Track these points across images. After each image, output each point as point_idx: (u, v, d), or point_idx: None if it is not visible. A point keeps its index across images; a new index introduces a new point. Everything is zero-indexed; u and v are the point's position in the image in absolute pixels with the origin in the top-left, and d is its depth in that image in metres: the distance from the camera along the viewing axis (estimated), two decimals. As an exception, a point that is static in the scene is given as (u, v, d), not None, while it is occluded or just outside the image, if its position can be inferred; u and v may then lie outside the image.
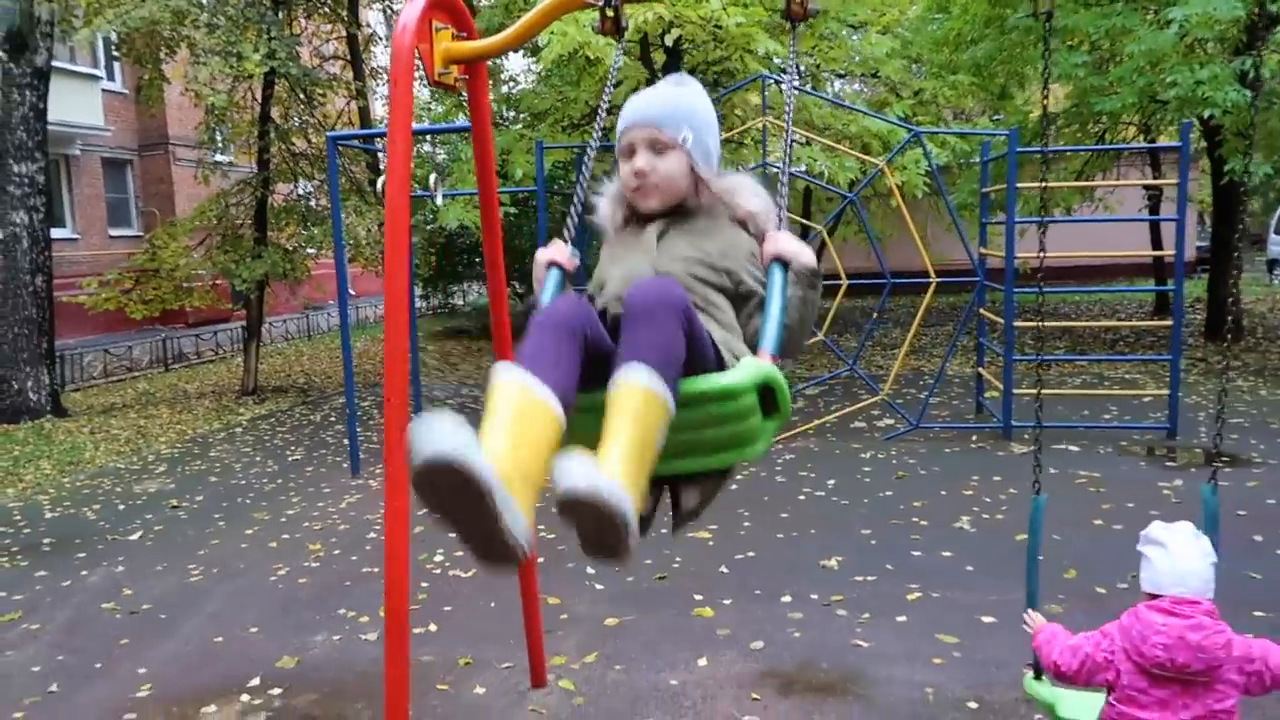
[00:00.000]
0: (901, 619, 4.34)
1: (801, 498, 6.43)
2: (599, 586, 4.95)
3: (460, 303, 21.67)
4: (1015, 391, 7.88)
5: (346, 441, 8.52)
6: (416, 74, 2.85)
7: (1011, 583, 4.31)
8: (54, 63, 17.88)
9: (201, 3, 9.67)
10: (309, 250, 11.87)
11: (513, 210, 13.11)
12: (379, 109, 18.70)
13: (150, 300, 12.45)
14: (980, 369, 8.76)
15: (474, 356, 15.61)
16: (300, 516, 6.52)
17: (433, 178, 6.47)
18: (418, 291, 23.42)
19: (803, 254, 1.92)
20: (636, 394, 1.56)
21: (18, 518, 6.86)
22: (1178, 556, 2.19)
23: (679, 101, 2.03)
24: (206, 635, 4.52)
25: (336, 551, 5.73)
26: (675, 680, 3.84)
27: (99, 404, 12.25)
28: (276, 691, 3.91)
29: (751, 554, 5.34)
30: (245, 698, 3.87)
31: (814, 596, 4.65)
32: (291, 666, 4.15)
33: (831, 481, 6.77)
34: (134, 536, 6.22)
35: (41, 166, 10.78)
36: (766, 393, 1.74)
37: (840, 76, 15.04)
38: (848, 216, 13.70)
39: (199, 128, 12.01)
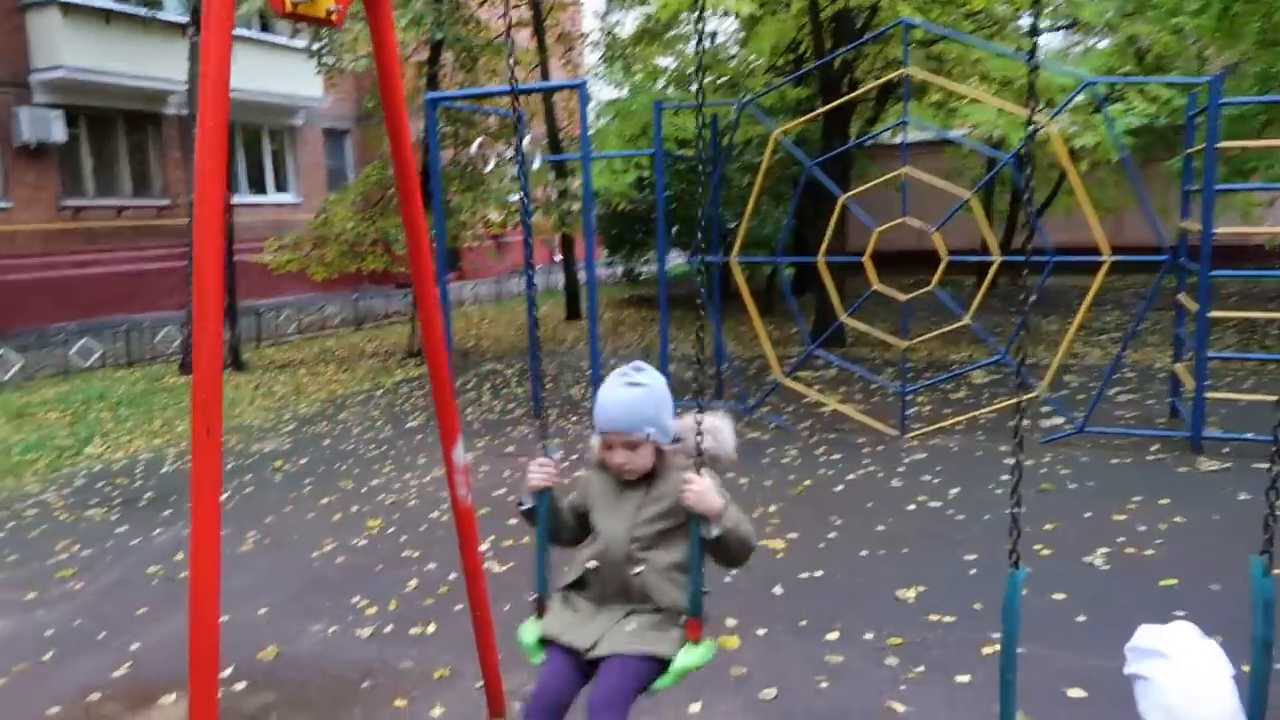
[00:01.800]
0: (962, 679, 3.50)
1: (911, 507, 5.55)
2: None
3: (644, 271, 21.41)
4: (1209, 396, 6.49)
5: (461, 409, 8.41)
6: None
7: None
8: (278, 39, 19.23)
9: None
10: (462, 216, 11.86)
11: (653, 184, 12.53)
12: (562, 72, 18.65)
13: (330, 263, 12.97)
14: (1178, 365, 7.33)
15: (641, 325, 15.30)
16: (381, 488, 6.39)
17: (475, 143, 6.06)
18: (602, 258, 23.44)
19: (701, 504, 2.24)
20: None
21: (139, 470, 7.19)
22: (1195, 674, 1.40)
23: (641, 408, 2.42)
24: (215, 613, 4.38)
25: (390, 530, 5.51)
26: (651, 728, 3.25)
27: (280, 359, 12.96)
28: (239, 687, 3.68)
29: (819, 573, 4.59)
30: (207, 690, 3.65)
31: (867, 636, 3.88)
32: (269, 660, 3.91)
33: (955, 490, 5.82)
34: (222, 497, 6.29)
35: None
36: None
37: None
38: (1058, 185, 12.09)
39: (366, 97, 12.28)
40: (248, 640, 4.08)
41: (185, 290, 11.58)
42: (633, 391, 2.43)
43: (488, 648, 3.28)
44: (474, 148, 6.51)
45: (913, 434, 7.17)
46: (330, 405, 9.44)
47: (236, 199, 20.22)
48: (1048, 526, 5.09)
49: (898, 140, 8.33)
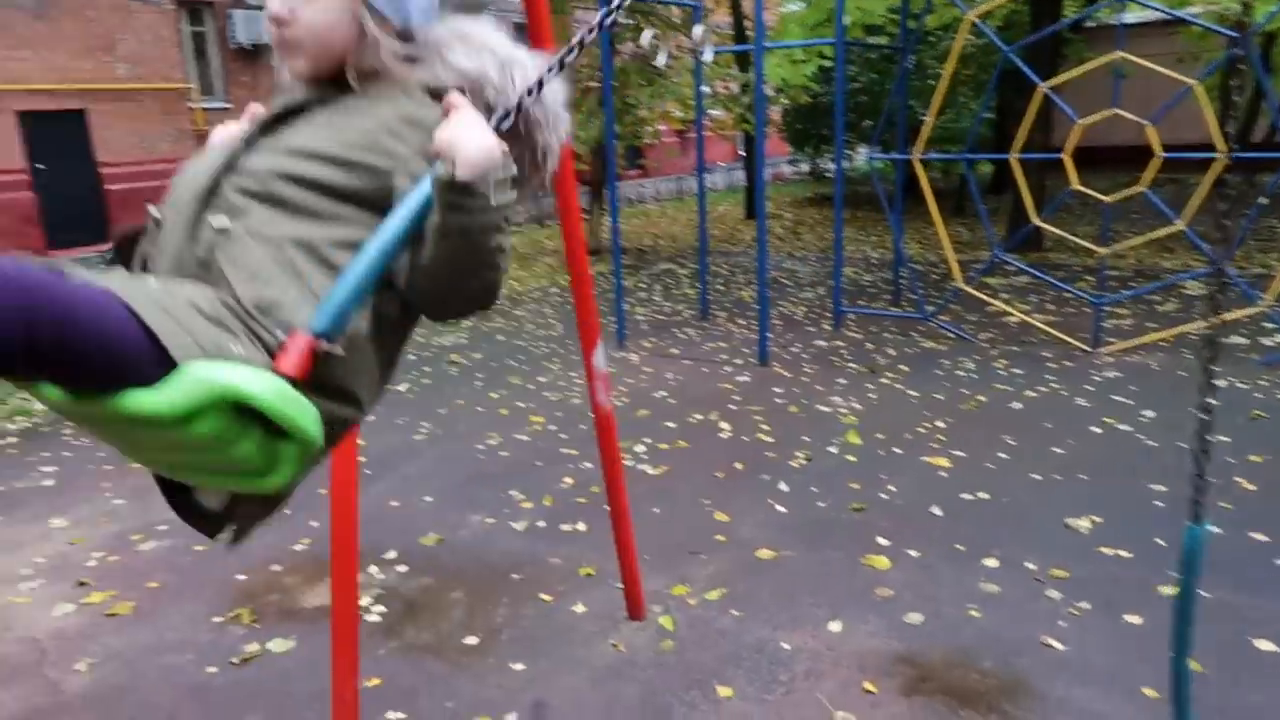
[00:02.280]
0: (1132, 620, 3.24)
1: (1096, 430, 5.14)
2: (780, 509, 4.33)
3: (829, 168, 20.59)
4: None
5: (631, 309, 8.46)
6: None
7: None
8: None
9: None
10: (640, 112, 11.68)
11: (853, 73, 11.80)
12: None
13: (512, 160, 13.17)
14: None
15: (822, 225, 14.79)
16: (547, 385, 6.55)
17: (647, 34, 5.83)
18: (785, 155, 22.66)
19: (466, 148, 1.13)
20: None
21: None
22: None
23: None
24: (387, 498, 4.65)
25: (552, 427, 5.64)
26: (788, 644, 3.20)
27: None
28: (402, 569, 3.90)
29: (984, 495, 4.34)
30: (373, 569, 3.90)
31: (1029, 565, 3.65)
32: (430, 545, 4.12)
33: (1149, 414, 5.33)
34: (402, 387, 6.65)
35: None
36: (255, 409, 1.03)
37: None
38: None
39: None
40: (414, 526, 4.31)
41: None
42: None
43: (627, 550, 3.30)
44: (644, 40, 6.26)
45: (1108, 349, 6.60)
46: (507, 301, 9.73)
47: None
48: (1254, 458, 4.59)
49: (1115, 20, 7.45)
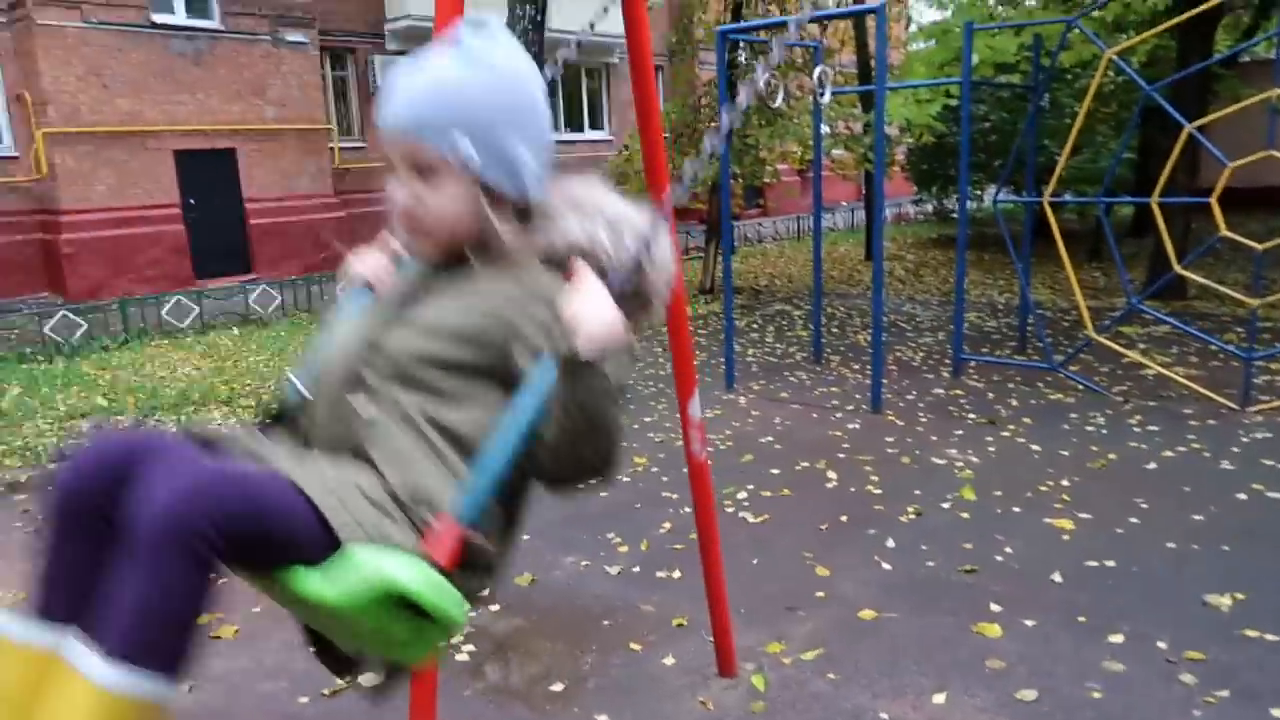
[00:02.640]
0: (1278, 713, 2.91)
1: (1241, 496, 4.72)
2: (886, 567, 4.12)
3: (954, 208, 20.03)
4: None
5: (742, 350, 8.35)
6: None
7: None
8: (596, -22, 19.82)
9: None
10: (760, 151, 11.63)
11: (983, 112, 11.47)
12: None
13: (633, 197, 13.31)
14: None
15: (946, 268, 14.33)
16: (652, 425, 6.48)
17: (763, 75, 5.73)
18: (910, 195, 22.19)
19: (589, 324, 1.18)
20: (72, 702, 1.03)
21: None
22: None
23: (448, 93, 1.27)
24: (485, 534, 4.66)
25: (654, 469, 5.57)
26: (887, 714, 3.01)
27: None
28: (494, 608, 3.88)
29: (1111, 563, 4.03)
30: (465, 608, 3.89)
31: (1160, 644, 3.34)
32: (524, 586, 4.09)
33: (1305, 480, 4.88)
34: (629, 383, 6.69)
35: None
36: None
37: None
38: None
39: (666, 33, 12.32)
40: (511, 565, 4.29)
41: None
42: (440, 66, 1.29)
43: (719, 604, 3.19)
44: (760, 81, 6.20)
45: (1258, 408, 6.10)
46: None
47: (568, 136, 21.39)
48: None
49: (1273, 55, 6.97)
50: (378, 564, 1.12)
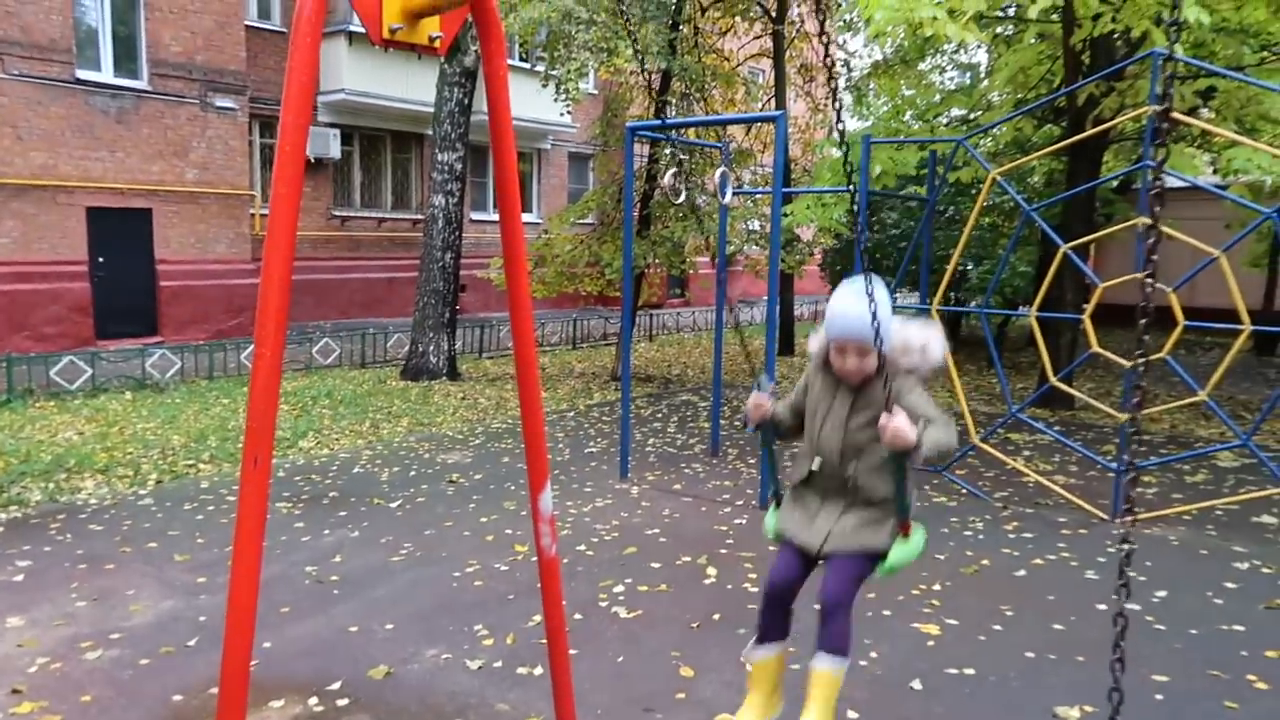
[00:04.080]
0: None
1: (1101, 607, 4.83)
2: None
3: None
4: None
5: (643, 439, 8.36)
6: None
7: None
8: (524, 65, 20.29)
9: (586, 2, 10.03)
10: (673, 243, 11.87)
11: (893, 220, 11.93)
12: (799, 106, 18.35)
13: (549, 282, 13.42)
14: None
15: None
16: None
17: (669, 173, 5.94)
18: (826, 294, 22.85)
19: (897, 443, 2.58)
20: (826, 678, 2.83)
21: (334, 468, 7.65)
22: None
23: (869, 318, 2.63)
24: (346, 622, 4.51)
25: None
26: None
27: (494, 372, 13.55)
28: (343, 702, 3.73)
29: (970, 671, 4.06)
30: (312, 700, 3.74)
31: (1004, 758, 3.35)
32: (378, 678, 3.95)
33: (1161, 594, 5.02)
34: (394, 504, 6.57)
35: (460, 156, 12.07)
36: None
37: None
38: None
39: (593, 123, 12.61)
40: (365, 655, 4.15)
41: (416, 299, 12.42)
42: (863, 303, 2.66)
43: (565, 708, 3.11)
44: (666, 179, 6.39)
45: (1128, 519, 6.29)
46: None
47: (480, 216, 21.56)
48: (1270, 654, 4.26)
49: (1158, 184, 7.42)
50: (900, 552, 2.81)
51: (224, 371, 12.42)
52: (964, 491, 7.01)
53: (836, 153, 13.03)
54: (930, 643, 4.38)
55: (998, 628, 4.55)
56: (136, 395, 10.74)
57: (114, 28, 14.62)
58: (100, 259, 14.64)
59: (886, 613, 4.72)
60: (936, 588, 5.07)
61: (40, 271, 13.94)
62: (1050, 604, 4.86)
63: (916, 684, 3.95)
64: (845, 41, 17.95)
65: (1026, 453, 8.31)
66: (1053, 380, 6.72)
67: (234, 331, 15.63)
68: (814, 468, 2.85)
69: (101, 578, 5.03)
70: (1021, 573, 5.35)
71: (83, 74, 14.13)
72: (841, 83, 17.82)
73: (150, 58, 14.89)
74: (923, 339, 2.79)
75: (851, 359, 2.77)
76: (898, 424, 2.53)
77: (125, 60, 14.75)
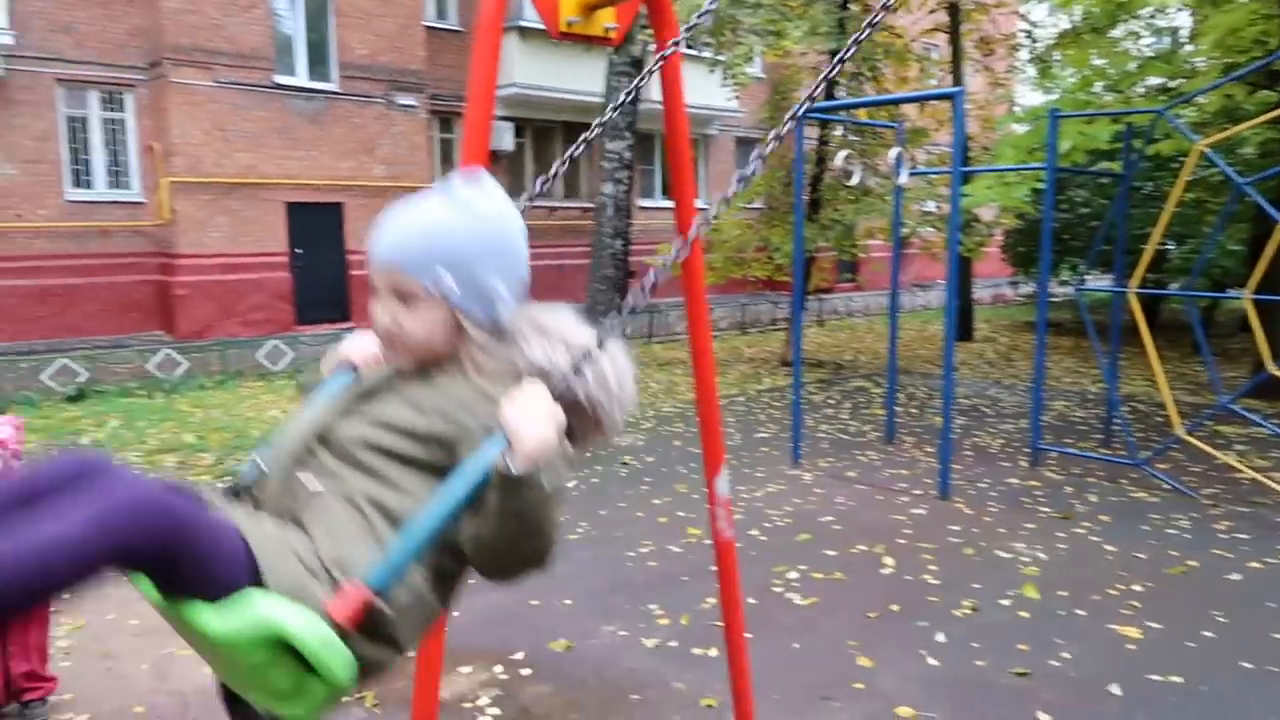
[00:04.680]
0: None
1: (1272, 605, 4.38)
2: (932, 662, 3.95)
3: (1057, 293, 19.51)
4: None
5: (815, 425, 8.23)
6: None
7: None
8: (699, 52, 20.31)
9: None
10: (844, 226, 11.59)
11: (1082, 198, 11.20)
12: (977, 80, 17.51)
13: (717, 268, 13.41)
14: None
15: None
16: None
17: (841, 155, 5.78)
18: (1010, 276, 21.76)
19: (525, 441, 1.25)
20: None
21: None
22: None
23: (434, 232, 1.42)
24: (527, 595, 4.65)
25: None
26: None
27: (664, 357, 13.66)
28: (525, 672, 3.86)
29: (1178, 679, 3.78)
30: (498, 669, 3.89)
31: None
32: (559, 650, 4.06)
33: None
34: (570, 484, 6.72)
35: (629, 144, 12.19)
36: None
37: None
38: None
39: (760, 107, 12.47)
40: (546, 628, 4.28)
41: (587, 286, 12.72)
42: (431, 209, 1.44)
43: (742, 693, 3.09)
44: (838, 161, 6.24)
45: None
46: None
47: (648, 202, 21.77)
48: None
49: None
50: (271, 606, 1.16)
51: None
52: (1167, 487, 6.51)
53: (1019, 128, 12.37)
54: (1130, 646, 4.10)
55: (1209, 634, 4.21)
56: (331, 378, 11.49)
57: (307, 34, 15.63)
58: (298, 250, 15.73)
59: (1080, 612, 4.46)
60: (1137, 588, 4.74)
61: (247, 263, 15.11)
62: (1271, 611, 4.45)
63: (1115, 689, 3.70)
64: (1028, 11, 17.00)
65: (1239, 447, 7.64)
66: (1271, 368, 6.13)
67: (417, 318, 16.45)
68: (258, 462, 1.46)
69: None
70: (1235, 576, 4.92)
71: (281, 79, 15.18)
72: (1024, 54, 16.90)
73: (340, 60, 15.83)
74: (582, 339, 1.46)
75: (380, 306, 1.45)
76: (540, 402, 1.30)
77: (317, 64, 15.73)
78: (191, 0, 14.19)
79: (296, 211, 15.56)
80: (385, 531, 1.30)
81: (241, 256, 15.05)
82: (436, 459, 1.34)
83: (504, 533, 1.26)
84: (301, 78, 15.51)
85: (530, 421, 1.27)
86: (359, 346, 1.58)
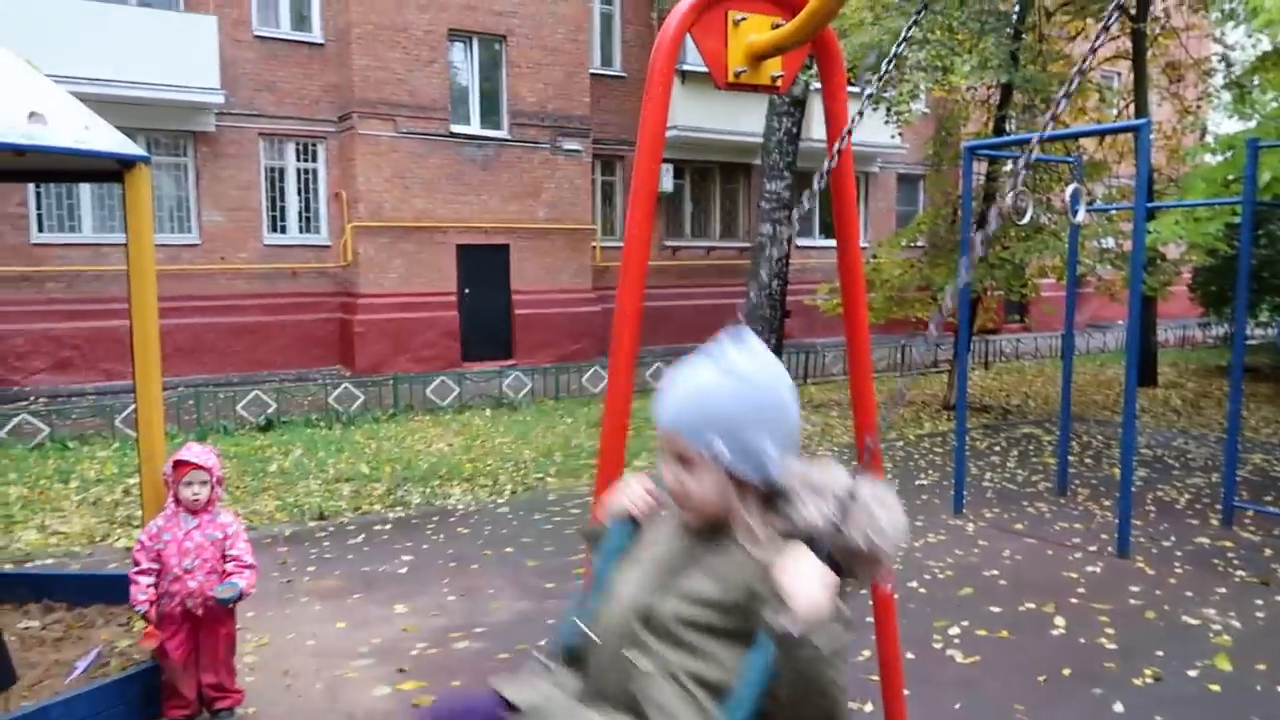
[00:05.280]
0: None
1: None
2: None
3: (1255, 335, 18.00)
4: None
5: (979, 473, 7.90)
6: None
7: None
8: (853, 88, 20.10)
9: (920, 22, 9.73)
10: (1014, 265, 11.11)
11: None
12: (1164, 110, 16.53)
13: (877, 308, 13.13)
14: None
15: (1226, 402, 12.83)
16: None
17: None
18: (1198, 317, 20.31)
19: (799, 603, 1.35)
20: None
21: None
22: None
23: (705, 399, 1.53)
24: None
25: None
26: None
27: (819, 399, 13.44)
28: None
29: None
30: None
31: None
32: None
33: None
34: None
35: (788, 184, 12.18)
36: None
37: None
38: None
39: (925, 143, 12.20)
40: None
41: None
42: (701, 374, 1.54)
43: (899, 750, 2.99)
44: (1008, 199, 6.01)
45: None
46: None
47: (807, 242, 21.61)
48: None
49: None
50: None
51: (567, 392, 13.42)
52: (1385, 553, 5.87)
53: (1212, 159, 11.57)
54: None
55: None
56: (495, 412, 11.91)
57: (480, 85, 16.47)
58: (466, 290, 16.48)
59: (1282, 689, 4.06)
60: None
61: (419, 302, 15.95)
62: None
63: (1325, 778, 3.34)
64: (1223, 34, 15.95)
65: None
66: None
67: (576, 355, 16.85)
68: (589, 635, 1.61)
69: (468, 576, 5.60)
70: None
71: (456, 128, 16.05)
72: (1218, 80, 15.84)
73: (510, 109, 16.59)
74: (868, 496, 1.50)
75: (667, 469, 1.58)
76: (807, 565, 1.40)
77: (489, 113, 16.55)
78: (379, 57, 15.25)
79: (466, 253, 16.34)
80: (708, 704, 1.44)
81: (414, 296, 15.90)
82: (739, 626, 1.45)
83: (790, 695, 1.37)
84: (474, 126, 16.35)
85: (802, 584, 1.37)
86: (634, 497, 1.73)
